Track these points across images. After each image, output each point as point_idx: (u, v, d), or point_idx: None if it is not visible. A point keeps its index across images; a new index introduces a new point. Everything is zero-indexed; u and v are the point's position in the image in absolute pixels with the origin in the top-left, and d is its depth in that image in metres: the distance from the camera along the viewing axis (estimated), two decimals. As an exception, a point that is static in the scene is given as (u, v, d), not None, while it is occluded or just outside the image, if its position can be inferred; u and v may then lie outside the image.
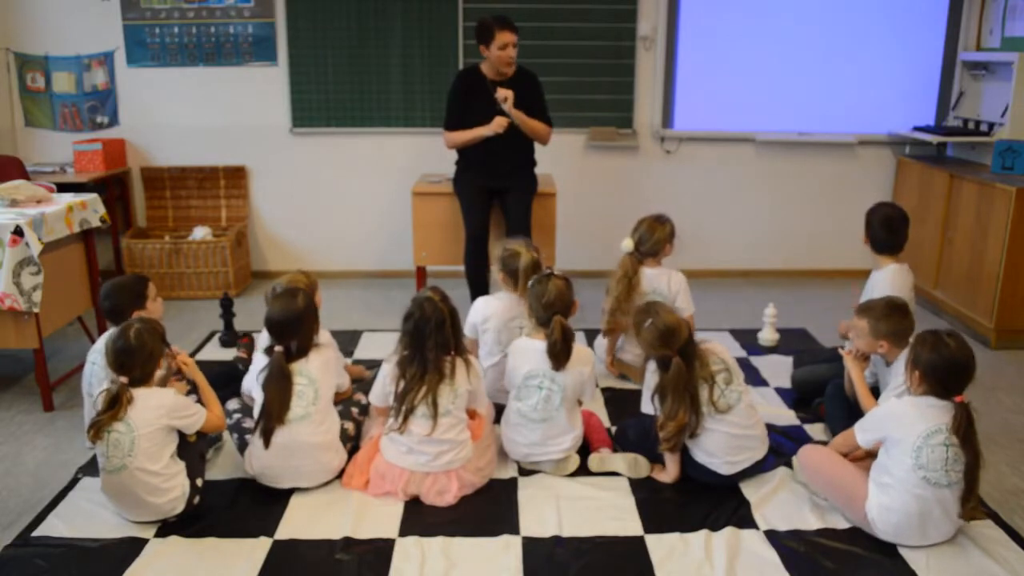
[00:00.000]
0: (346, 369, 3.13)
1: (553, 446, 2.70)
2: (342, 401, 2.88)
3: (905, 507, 2.27)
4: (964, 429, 2.23)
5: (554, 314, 2.69)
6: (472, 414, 2.72)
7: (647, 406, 2.66)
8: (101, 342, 2.83)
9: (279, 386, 2.54)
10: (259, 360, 2.67)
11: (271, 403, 2.52)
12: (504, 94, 3.84)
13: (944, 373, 2.26)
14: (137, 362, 2.41)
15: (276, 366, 2.55)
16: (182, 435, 2.47)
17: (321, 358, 2.64)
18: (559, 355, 2.67)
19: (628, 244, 3.44)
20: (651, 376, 2.63)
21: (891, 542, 2.33)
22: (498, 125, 3.86)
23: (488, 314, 3.13)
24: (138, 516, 2.42)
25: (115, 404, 2.35)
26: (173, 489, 2.40)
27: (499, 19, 3.86)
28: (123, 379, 2.39)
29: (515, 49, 3.86)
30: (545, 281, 2.74)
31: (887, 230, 3.15)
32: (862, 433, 2.41)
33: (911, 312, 2.74)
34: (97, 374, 2.79)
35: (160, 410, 2.40)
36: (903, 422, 2.29)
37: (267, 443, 2.52)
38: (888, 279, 3.07)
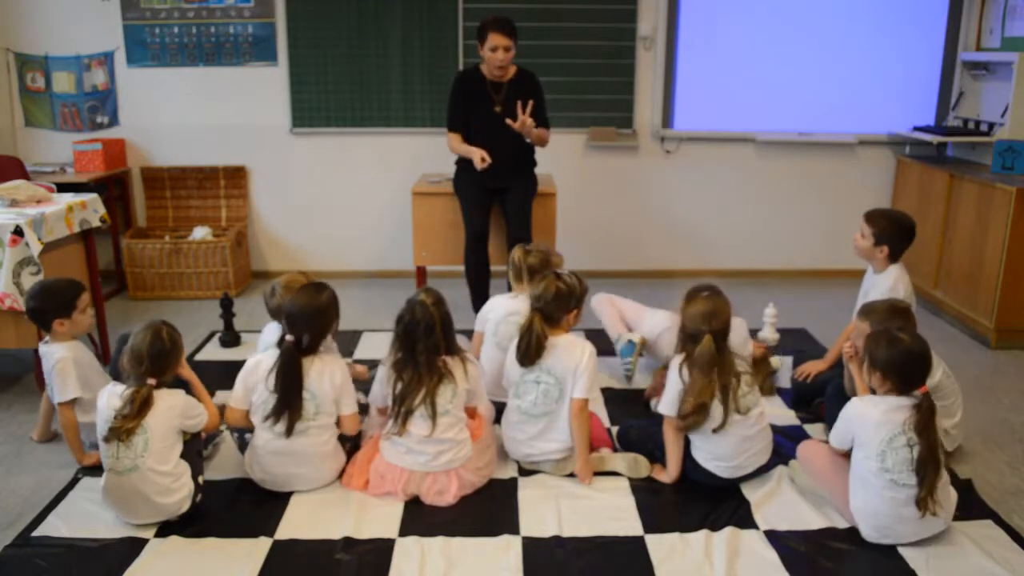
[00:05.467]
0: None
1: (554, 442, 2.70)
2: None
3: (877, 508, 2.29)
4: (925, 420, 2.24)
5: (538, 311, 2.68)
6: (472, 414, 2.72)
7: (666, 406, 2.61)
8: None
9: (291, 381, 2.51)
10: (253, 364, 2.61)
11: (287, 393, 2.50)
12: (522, 122, 3.79)
13: (903, 367, 2.29)
14: (171, 364, 2.43)
15: (288, 357, 2.51)
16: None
17: (326, 371, 2.58)
18: (525, 352, 2.66)
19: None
20: (674, 372, 2.58)
21: (880, 543, 2.32)
22: (480, 162, 3.82)
23: (491, 307, 3.19)
24: (142, 518, 2.41)
25: (144, 407, 2.34)
26: (182, 489, 2.40)
27: (497, 20, 3.81)
28: (152, 381, 2.38)
29: (508, 54, 3.81)
30: (542, 280, 2.74)
31: (910, 240, 3.14)
32: (834, 437, 2.43)
33: (913, 315, 2.74)
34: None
35: (174, 410, 2.41)
36: (865, 425, 2.31)
37: (289, 434, 2.50)
38: (898, 279, 3.08)
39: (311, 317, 2.57)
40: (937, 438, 2.28)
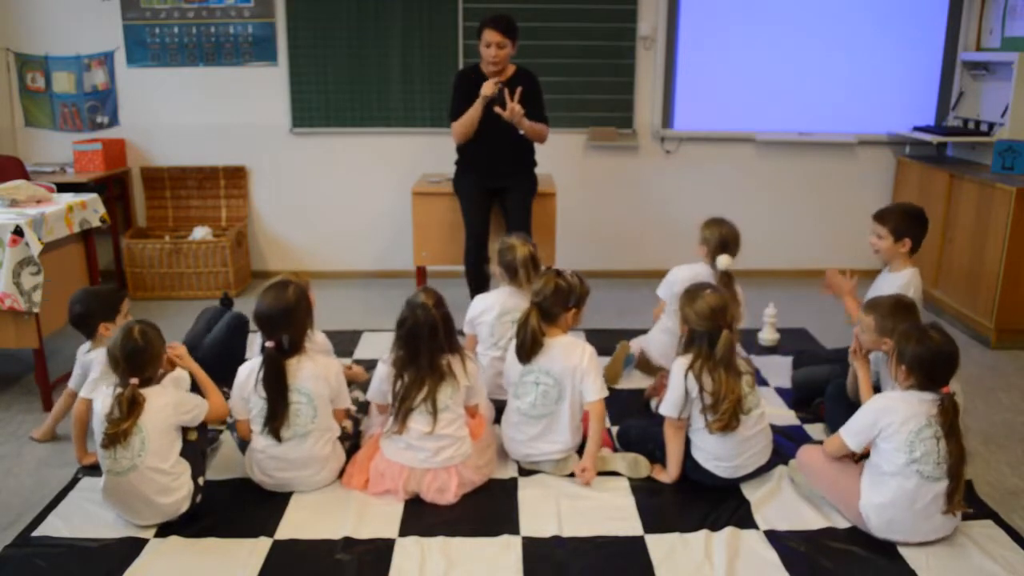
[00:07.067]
0: (345, 371, 3.10)
1: (553, 443, 2.70)
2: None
3: (897, 501, 2.28)
4: (950, 420, 2.26)
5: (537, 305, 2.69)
6: (472, 413, 2.72)
7: (667, 408, 2.61)
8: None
9: (276, 384, 2.51)
10: (244, 376, 2.60)
11: (273, 403, 2.51)
12: (511, 109, 3.79)
13: (931, 366, 2.29)
14: (148, 362, 2.41)
15: (270, 363, 2.52)
16: (183, 433, 2.46)
17: (320, 372, 2.58)
18: (521, 346, 2.67)
19: (726, 261, 3.18)
20: (678, 375, 2.57)
21: (887, 539, 2.33)
22: (487, 89, 3.81)
23: (483, 308, 3.16)
24: (143, 519, 2.40)
25: (132, 408, 2.33)
26: (181, 488, 2.40)
27: (492, 17, 3.85)
28: (134, 381, 2.37)
29: (501, 50, 3.82)
30: (542, 277, 2.74)
31: (925, 225, 3.15)
32: (852, 436, 2.38)
33: (918, 311, 2.73)
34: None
35: (166, 408, 2.40)
36: (895, 417, 2.30)
37: (279, 439, 2.51)
38: (911, 282, 3.07)
39: (282, 316, 2.54)
40: (962, 439, 2.28)
